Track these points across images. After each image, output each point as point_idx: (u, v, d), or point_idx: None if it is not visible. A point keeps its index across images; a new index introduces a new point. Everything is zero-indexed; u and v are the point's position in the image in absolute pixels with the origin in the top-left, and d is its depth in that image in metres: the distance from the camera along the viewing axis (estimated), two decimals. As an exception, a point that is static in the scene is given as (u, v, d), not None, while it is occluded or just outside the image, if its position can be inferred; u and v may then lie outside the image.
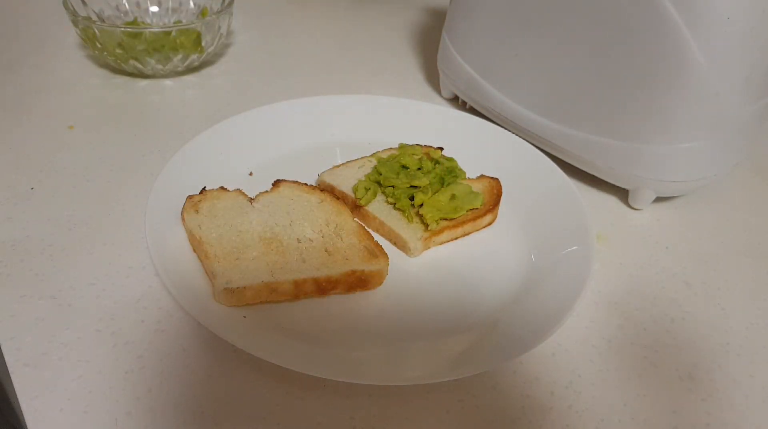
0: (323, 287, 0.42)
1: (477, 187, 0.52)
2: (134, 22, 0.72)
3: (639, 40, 0.45)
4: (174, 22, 0.74)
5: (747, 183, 0.59)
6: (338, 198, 0.49)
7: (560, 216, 0.49)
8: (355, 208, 0.50)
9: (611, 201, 0.55)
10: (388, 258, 0.44)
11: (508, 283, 0.45)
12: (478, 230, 0.50)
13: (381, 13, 0.89)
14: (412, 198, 0.49)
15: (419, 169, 0.51)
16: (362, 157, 0.54)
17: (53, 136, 0.57)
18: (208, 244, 0.43)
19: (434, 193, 0.49)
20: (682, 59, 0.44)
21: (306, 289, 0.42)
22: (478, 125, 0.59)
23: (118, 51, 0.64)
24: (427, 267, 0.47)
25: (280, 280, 0.41)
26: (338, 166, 0.53)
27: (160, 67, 0.67)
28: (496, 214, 0.51)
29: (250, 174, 0.53)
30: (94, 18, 0.69)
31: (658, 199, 0.54)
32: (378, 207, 0.49)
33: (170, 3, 0.75)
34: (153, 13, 0.75)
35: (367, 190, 0.50)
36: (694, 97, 0.46)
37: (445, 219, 0.48)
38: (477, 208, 0.49)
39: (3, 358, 0.38)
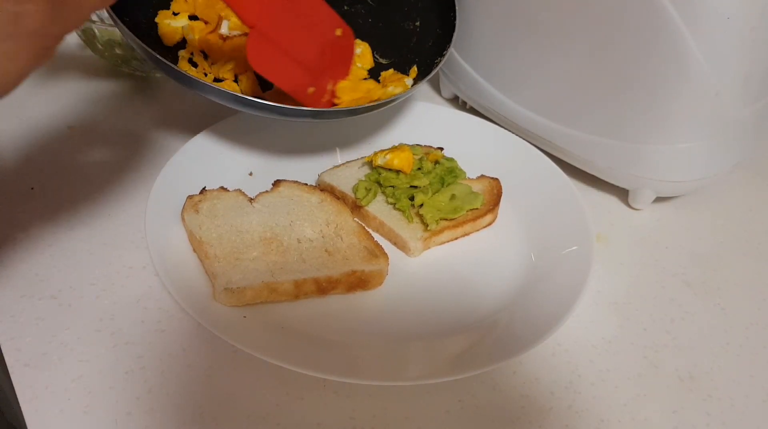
0: (323, 287, 0.42)
1: (477, 187, 0.52)
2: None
3: (639, 40, 0.45)
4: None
5: (747, 183, 0.59)
6: (338, 198, 0.49)
7: (560, 216, 0.49)
8: (355, 208, 0.50)
9: (611, 201, 0.55)
10: (388, 258, 0.44)
11: (508, 283, 0.45)
12: (478, 230, 0.50)
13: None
14: (412, 198, 0.49)
15: (419, 169, 0.51)
16: (362, 157, 0.54)
17: (53, 136, 0.57)
18: (208, 245, 0.43)
19: (434, 194, 0.49)
20: (682, 59, 0.44)
21: (306, 289, 0.42)
22: (478, 125, 0.59)
23: (118, 51, 0.64)
24: (427, 267, 0.47)
25: (280, 280, 0.41)
26: (338, 166, 0.53)
27: (160, 67, 0.66)
28: (496, 214, 0.51)
29: (250, 174, 0.53)
30: (94, 18, 0.69)
31: (658, 199, 0.54)
32: (378, 207, 0.49)
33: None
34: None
35: (367, 190, 0.50)
36: (694, 97, 0.46)
37: (445, 219, 0.48)
38: (477, 209, 0.49)
39: (3, 358, 0.38)
